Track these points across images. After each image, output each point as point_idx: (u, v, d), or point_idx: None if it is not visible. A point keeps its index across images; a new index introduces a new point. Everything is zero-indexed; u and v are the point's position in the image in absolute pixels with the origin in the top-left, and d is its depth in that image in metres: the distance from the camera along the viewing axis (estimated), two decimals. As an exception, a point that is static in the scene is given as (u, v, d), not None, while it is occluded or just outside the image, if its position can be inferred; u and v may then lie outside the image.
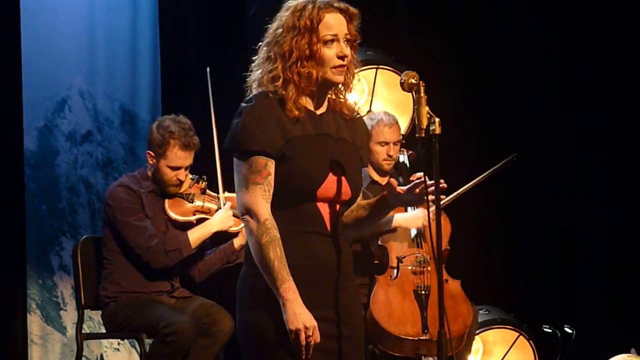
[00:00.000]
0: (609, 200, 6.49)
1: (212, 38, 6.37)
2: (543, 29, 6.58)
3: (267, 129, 3.00)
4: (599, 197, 6.50)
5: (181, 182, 4.97)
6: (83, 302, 5.01)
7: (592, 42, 6.50)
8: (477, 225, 6.26)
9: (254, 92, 3.09)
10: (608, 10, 6.42)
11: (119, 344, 6.02)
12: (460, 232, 5.21)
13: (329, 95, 3.14)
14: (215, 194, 5.03)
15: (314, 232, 3.05)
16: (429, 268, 4.96)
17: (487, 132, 6.49)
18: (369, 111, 5.49)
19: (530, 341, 5.59)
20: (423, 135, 3.01)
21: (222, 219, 4.95)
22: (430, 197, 3.09)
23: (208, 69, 5.21)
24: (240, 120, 3.02)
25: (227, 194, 5.00)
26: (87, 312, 5.17)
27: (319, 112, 3.12)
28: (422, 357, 4.84)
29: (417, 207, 4.89)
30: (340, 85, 3.12)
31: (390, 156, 5.16)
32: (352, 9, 3.10)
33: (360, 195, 3.22)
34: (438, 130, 3.00)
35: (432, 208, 3.04)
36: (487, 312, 5.56)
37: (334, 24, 3.05)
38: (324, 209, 3.06)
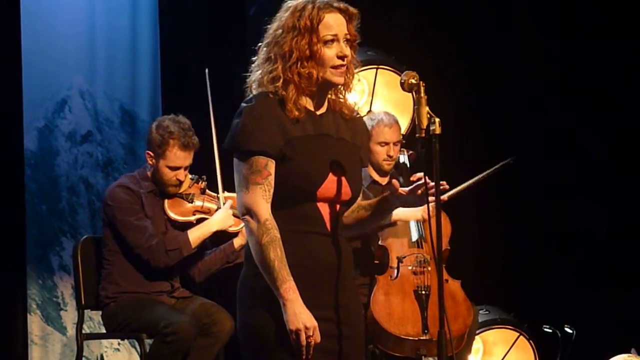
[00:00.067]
0: (608, 200, 6.49)
1: (212, 38, 6.37)
2: (543, 29, 6.57)
3: (267, 129, 2.99)
4: (598, 197, 6.49)
5: (181, 182, 4.97)
6: (83, 302, 5.01)
7: (592, 42, 6.49)
8: (477, 226, 6.25)
9: (254, 92, 3.09)
10: (608, 10, 6.42)
11: (119, 344, 6.02)
12: (460, 232, 5.21)
13: (329, 96, 3.14)
14: (215, 194, 5.02)
15: (314, 232, 3.04)
16: (429, 268, 4.96)
17: (487, 132, 6.48)
18: (369, 111, 5.49)
19: (531, 341, 5.59)
20: (423, 135, 3.01)
21: (222, 218, 4.95)
22: (431, 198, 3.09)
23: (207, 70, 5.20)
24: (241, 121, 3.01)
25: (226, 194, 4.99)
26: (87, 312, 5.17)
27: (319, 112, 3.12)
28: (422, 357, 4.83)
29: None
30: (340, 86, 3.11)
31: (390, 156, 5.16)
32: (352, 9, 3.10)
33: (361, 195, 3.22)
34: (438, 130, 3.00)
35: (432, 202, 3.04)
36: (487, 312, 5.56)
37: (334, 24, 3.05)
38: (324, 209, 3.06)
